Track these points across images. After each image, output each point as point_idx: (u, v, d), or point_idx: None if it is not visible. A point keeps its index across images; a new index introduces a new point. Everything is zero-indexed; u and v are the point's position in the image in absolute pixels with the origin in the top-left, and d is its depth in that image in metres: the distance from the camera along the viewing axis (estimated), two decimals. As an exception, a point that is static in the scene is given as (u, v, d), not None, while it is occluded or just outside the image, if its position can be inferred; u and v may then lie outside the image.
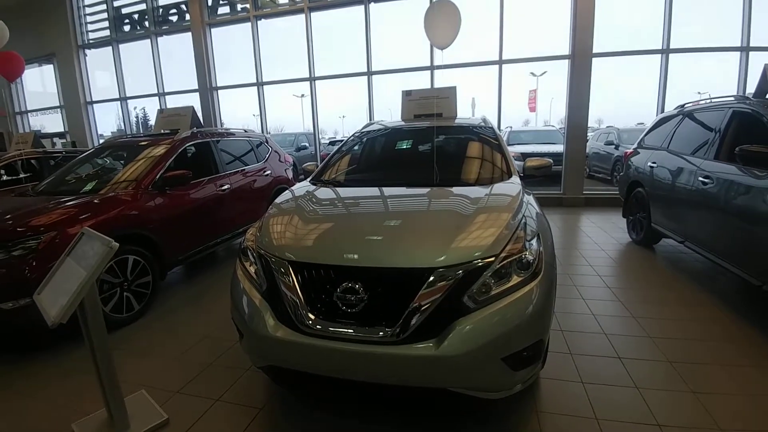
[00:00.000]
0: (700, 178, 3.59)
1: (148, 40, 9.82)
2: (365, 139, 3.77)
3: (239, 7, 8.81)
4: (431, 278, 1.69)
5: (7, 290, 2.57)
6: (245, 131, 5.61)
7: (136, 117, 11.49)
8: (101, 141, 10.77)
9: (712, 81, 7.67)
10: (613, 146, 10.22)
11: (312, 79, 8.49)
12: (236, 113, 9.87)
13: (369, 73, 8.09)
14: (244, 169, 5.06)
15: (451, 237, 1.89)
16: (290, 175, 6.05)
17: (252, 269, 2.08)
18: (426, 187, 2.68)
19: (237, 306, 2.04)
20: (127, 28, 10.10)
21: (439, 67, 7.57)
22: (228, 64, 9.34)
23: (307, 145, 11.92)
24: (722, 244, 3.34)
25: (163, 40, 9.81)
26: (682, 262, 4.36)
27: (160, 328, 3.25)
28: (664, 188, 4.33)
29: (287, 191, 2.94)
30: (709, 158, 3.63)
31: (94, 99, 10.83)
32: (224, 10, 9.00)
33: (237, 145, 5.19)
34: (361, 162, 3.61)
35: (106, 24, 10.26)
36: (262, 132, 8.36)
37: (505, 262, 1.79)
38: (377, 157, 3.66)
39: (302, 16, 8.26)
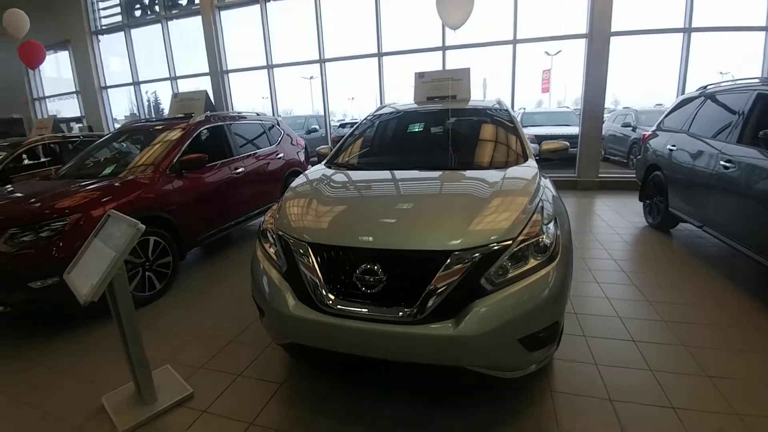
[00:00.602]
0: (722, 162, 3.52)
1: (159, 25, 9.84)
2: (379, 122, 3.76)
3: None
4: (449, 260, 1.72)
5: (36, 270, 2.68)
6: (257, 114, 5.63)
7: (148, 101, 11.58)
8: (116, 125, 10.95)
9: (735, 61, 7.42)
10: (630, 128, 9.98)
11: (322, 61, 8.40)
12: (246, 96, 9.88)
13: (379, 55, 7.97)
14: (257, 153, 5.09)
15: (469, 220, 1.91)
16: (302, 158, 6.08)
17: (272, 250, 2.13)
18: (442, 171, 2.68)
19: (258, 285, 2.10)
20: (138, 13, 10.17)
21: (451, 47, 7.42)
22: (238, 47, 9.30)
23: (317, 127, 11.91)
24: (744, 230, 3.28)
25: (174, 24, 9.82)
26: (699, 247, 4.31)
27: (181, 306, 3.35)
28: (683, 172, 4.24)
29: (303, 174, 2.97)
30: (732, 142, 3.53)
31: (108, 84, 10.96)
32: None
33: (250, 128, 5.22)
34: (375, 145, 3.61)
35: (118, 10, 10.34)
36: (273, 115, 8.37)
37: (522, 245, 1.81)
38: (392, 141, 3.65)
39: (312, -3, 8.16)
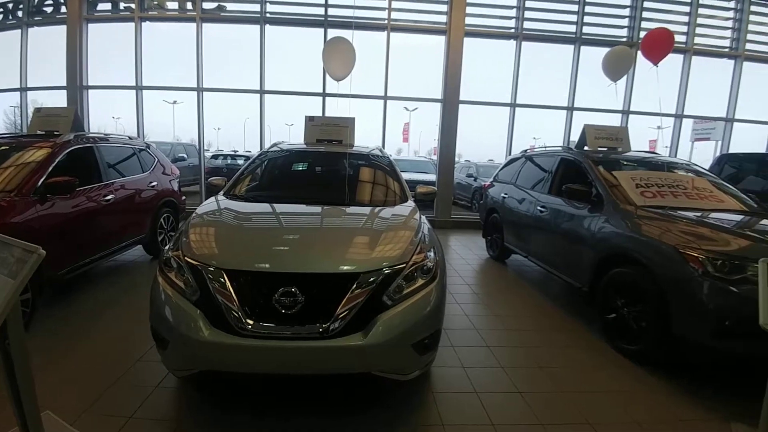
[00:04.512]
0: (538, 208, 4.72)
1: (18, 31, 8.35)
2: (276, 158, 3.98)
3: (122, 5, 8.05)
4: (358, 281, 2.05)
5: None
6: (129, 138, 5.17)
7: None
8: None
9: (546, 130, 9.80)
10: (473, 178, 12.02)
11: (200, 89, 8.10)
12: (96, 115, 8.72)
13: (261, 92, 8.12)
14: (129, 180, 4.66)
15: (372, 247, 2.31)
16: (175, 187, 5.71)
17: (178, 278, 2.14)
18: (342, 206, 3.06)
19: (161, 315, 2.08)
20: (-1, 16, 8.43)
21: (331, 95, 8.05)
22: (101, 63, 8.36)
23: (185, 156, 11.13)
24: (554, 258, 4.44)
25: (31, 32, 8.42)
26: (526, 273, 5.53)
27: (46, 349, 2.88)
28: (512, 215, 5.47)
29: (207, 204, 2.99)
30: (545, 192, 4.80)
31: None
32: (105, 6, 8.10)
33: (122, 152, 4.77)
34: (277, 179, 3.81)
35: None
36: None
37: (412, 268, 2.24)
38: (291, 177, 3.92)
39: (194, 25, 7.93)
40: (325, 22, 7.96)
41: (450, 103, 8.21)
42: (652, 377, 2.88)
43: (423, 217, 3.02)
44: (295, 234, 2.53)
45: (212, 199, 3.16)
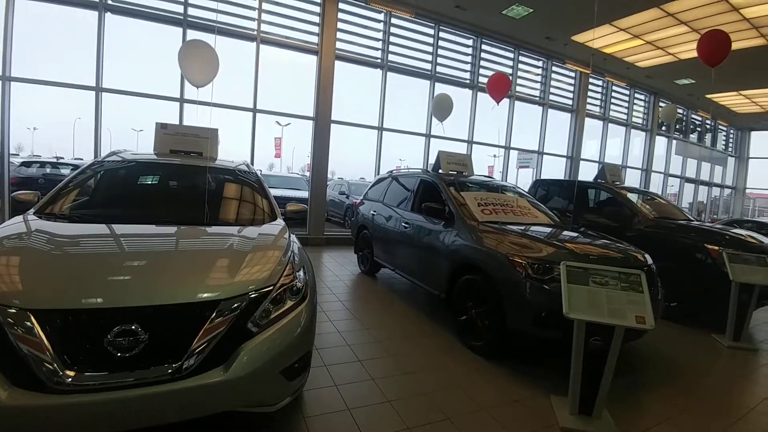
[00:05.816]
0: (403, 224, 5.09)
1: None
2: (118, 169, 3.41)
3: None
4: (219, 308, 1.87)
5: None
6: None
7: None
8: None
9: (410, 153, 10.68)
10: (345, 196, 12.30)
11: (7, 79, 6.42)
12: None
13: (98, 89, 6.92)
14: None
15: (235, 271, 2.12)
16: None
17: None
18: (204, 226, 2.78)
19: None
20: None
21: (191, 101, 7.36)
22: None
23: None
24: (416, 269, 4.83)
25: None
26: (395, 285, 5.85)
27: None
28: (381, 231, 5.77)
29: (9, 225, 2.37)
30: (408, 210, 5.21)
31: None
32: None
33: None
34: (117, 195, 3.24)
35: None
36: None
37: (280, 290, 2.15)
38: (138, 191, 3.37)
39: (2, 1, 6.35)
40: (184, 22, 7.30)
41: (322, 121, 8.33)
42: (498, 368, 3.36)
43: (293, 236, 2.94)
44: (140, 260, 2.15)
45: (18, 218, 2.53)
